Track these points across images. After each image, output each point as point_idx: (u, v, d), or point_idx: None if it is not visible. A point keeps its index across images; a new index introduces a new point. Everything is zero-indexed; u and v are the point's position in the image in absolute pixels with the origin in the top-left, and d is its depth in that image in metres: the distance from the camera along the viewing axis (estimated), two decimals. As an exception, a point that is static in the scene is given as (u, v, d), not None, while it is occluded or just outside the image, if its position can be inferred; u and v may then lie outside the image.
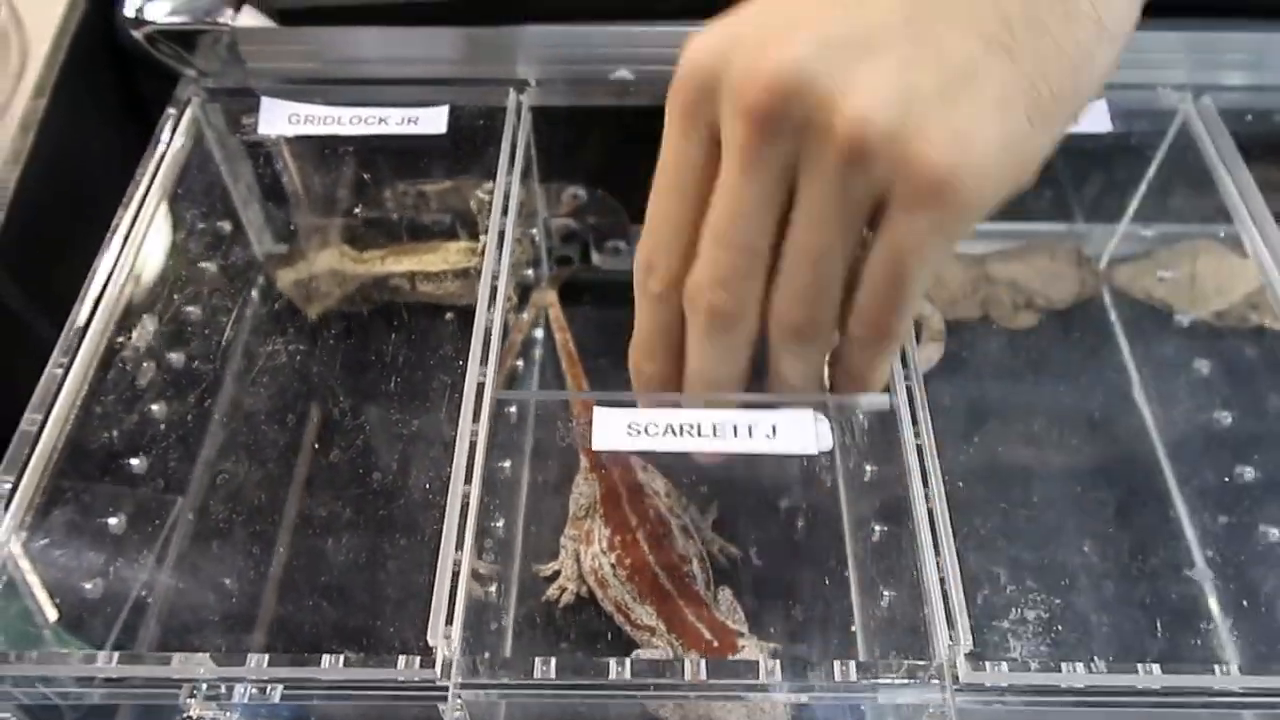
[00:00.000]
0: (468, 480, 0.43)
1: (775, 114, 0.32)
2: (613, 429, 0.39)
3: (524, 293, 0.65)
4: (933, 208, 0.32)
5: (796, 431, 0.38)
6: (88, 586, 0.47)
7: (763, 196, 0.34)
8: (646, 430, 0.39)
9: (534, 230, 0.64)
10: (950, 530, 0.40)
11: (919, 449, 0.44)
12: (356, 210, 0.63)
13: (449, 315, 0.64)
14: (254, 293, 0.62)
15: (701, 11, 0.55)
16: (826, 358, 0.40)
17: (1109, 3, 0.33)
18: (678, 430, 0.39)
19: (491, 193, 0.62)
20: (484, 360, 0.48)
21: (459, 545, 0.41)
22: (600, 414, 0.39)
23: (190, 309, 0.57)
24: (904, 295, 0.35)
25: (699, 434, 0.39)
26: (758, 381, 0.40)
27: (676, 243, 0.36)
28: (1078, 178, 0.65)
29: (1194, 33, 0.57)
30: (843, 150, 0.32)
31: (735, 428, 0.39)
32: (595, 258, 0.68)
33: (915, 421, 0.45)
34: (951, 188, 0.31)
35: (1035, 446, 0.58)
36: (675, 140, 0.35)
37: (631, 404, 0.40)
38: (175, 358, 0.55)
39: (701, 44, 0.34)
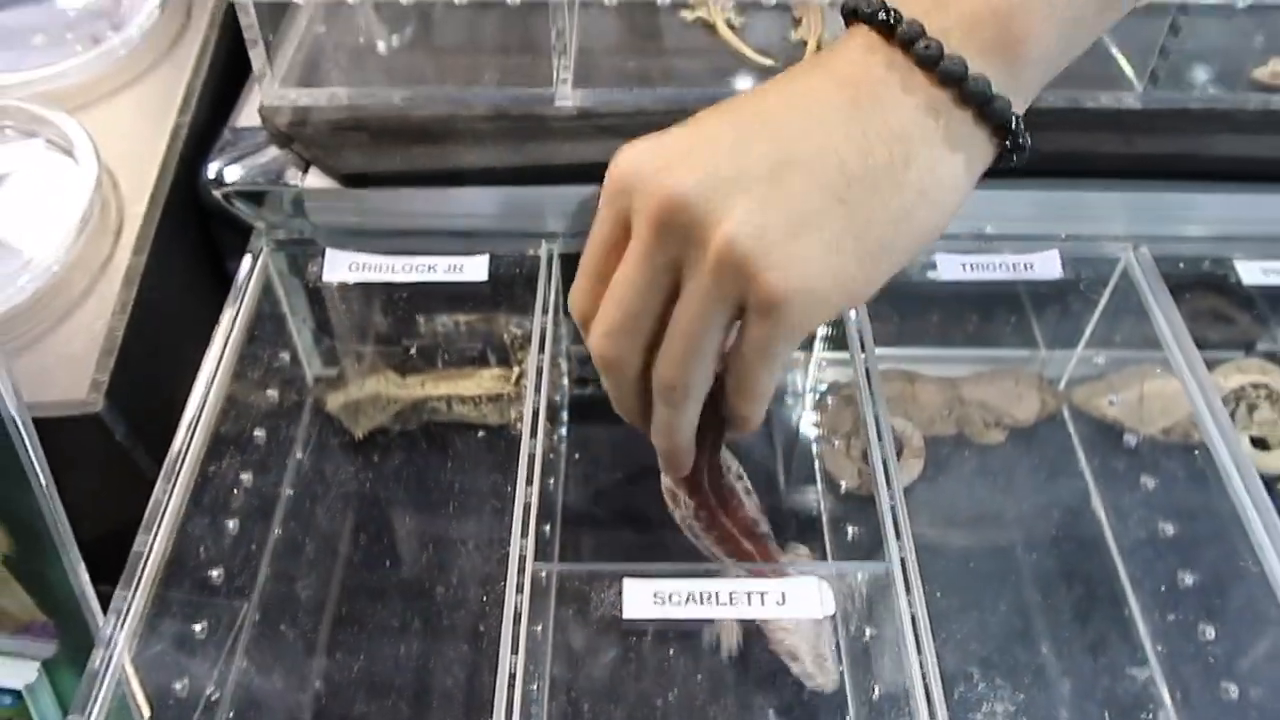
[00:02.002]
0: (519, 590, 0.50)
1: (665, 224, 0.41)
2: (641, 598, 0.46)
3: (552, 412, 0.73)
4: (771, 319, 0.41)
5: (804, 597, 0.46)
6: (177, 686, 0.53)
7: (650, 278, 0.43)
8: (670, 599, 0.46)
9: (561, 359, 0.72)
10: (930, 635, 0.47)
11: (902, 562, 0.51)
12: (404, 342, 0.71)
13: (481, 434, 0.72)
14: (314, 418, 0.70)
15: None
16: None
17: (935, 177, 0.41)
18: (699, 599, 0.46)
19: (521, 327, 0.70)
20: (530, 480, 0.55)
21: (514, 649, 0.47)
22: (629, 585, 0.46)
23: (259, 433, 0.64)
24: (753, 381, 0.44)
25: (717, 602, 0.46)
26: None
27: (588, 292, 0.46)
28: (1038, 313, 0.74)
29: (1132, 194, 0.66)
30: (711, 262, 0.41)
31: (749, 595, 0.46)
32: (611, 380, 0.76)
33: (899, 537, 0.53)
34: (785, 306, 0.40)
35: (1004, 551, 0.66)
36: (601, 219, 0.45)
37: (659, 574, 0.48)
38: (248, 478, 0.62)
39: (625, 155, 0.44)
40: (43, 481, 0.44)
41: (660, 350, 0.44)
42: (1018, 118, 0.42)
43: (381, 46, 0.69)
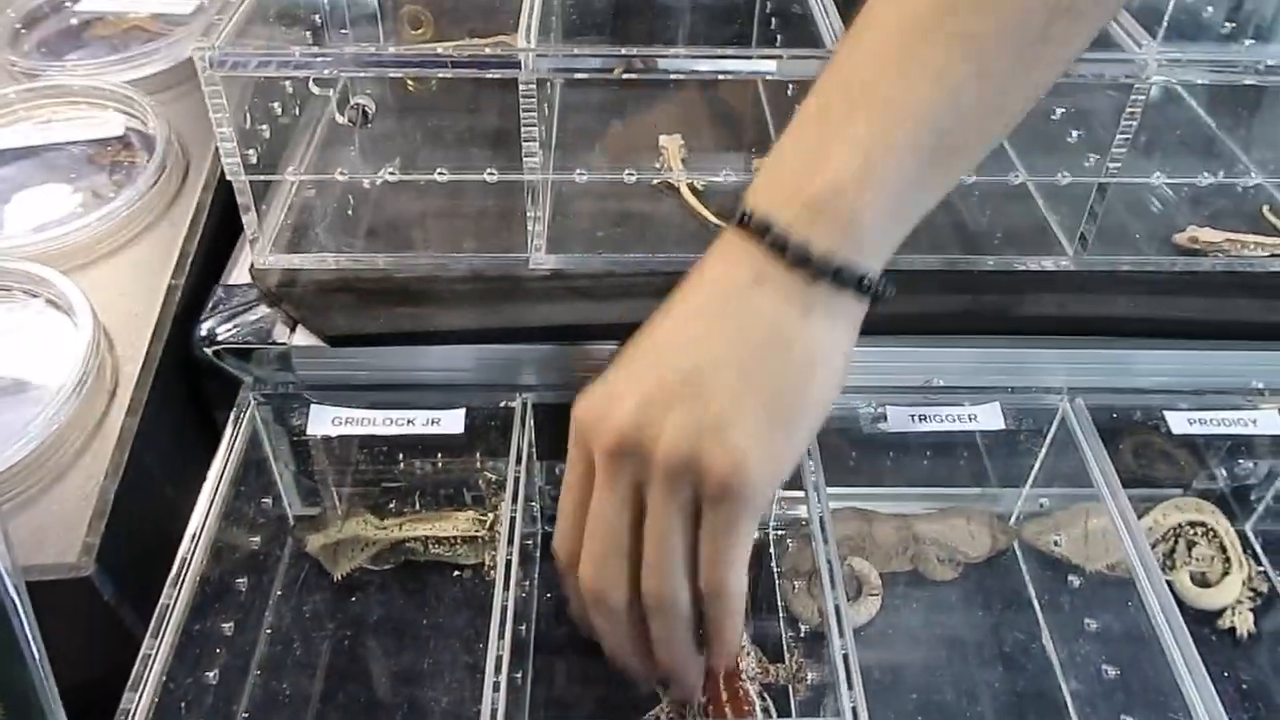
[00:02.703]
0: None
1: (616, 454, 0.48)
2: None
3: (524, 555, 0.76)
4: (724, 501, 0.47)
5: None
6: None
7: (618, 506, 0.49)
8: None
9: (533, 502, 0.75)
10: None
11: (854, 712, 0.54)
12: (383, 486, 0.74)
13: (456, 573, 0.75)
14: (295, 559, 0.72)
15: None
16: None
17: (817, 344, 0.48)
18: None
19: (496, 471, 0.74)
20: (502, 634, 0.58)
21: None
22: None
23: (242, 580, 0.67)
24: (725, 567, 0.48)
25: None
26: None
27: (569, 535, 0.52)
28: (989, 457, 0.78)
29: (1068, 350, 0.71)
30: (661, 471, 0.47)
31: None
32: (582, 518, 0.79)
33: (850, 687, 0.56)
34: (731, 484, 0.46)
35: (959, 690, 0.69)
36: (570, 466, 0.51)
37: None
38: (230, 626, 0.65)
39: (580, 405, 0.50)
40: (37, 656, 0.46)
41: (643, 566, 0.49)
42: (866, 276, 0.47)
43: (367, 212, 0.74)
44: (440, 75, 0.64)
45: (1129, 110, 0.65)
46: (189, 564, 0.60)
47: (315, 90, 0.69)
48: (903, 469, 0.78)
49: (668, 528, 0.48)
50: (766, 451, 0.47)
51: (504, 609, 0.59)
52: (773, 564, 0.77)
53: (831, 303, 0.47)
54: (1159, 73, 0.63)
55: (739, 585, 0.49)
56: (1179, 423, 0.71)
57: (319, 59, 0.65)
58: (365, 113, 0.71)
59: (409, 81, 0.91)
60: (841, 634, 0.59)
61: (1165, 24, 0.93)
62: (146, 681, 0.54)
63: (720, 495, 0.46)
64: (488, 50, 0.65)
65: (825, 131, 0.47)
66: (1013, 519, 0.79)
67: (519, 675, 0.64)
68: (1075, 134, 0.71)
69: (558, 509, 0.53)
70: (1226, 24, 0.89)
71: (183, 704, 0.58)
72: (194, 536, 0.61)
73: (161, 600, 0.58)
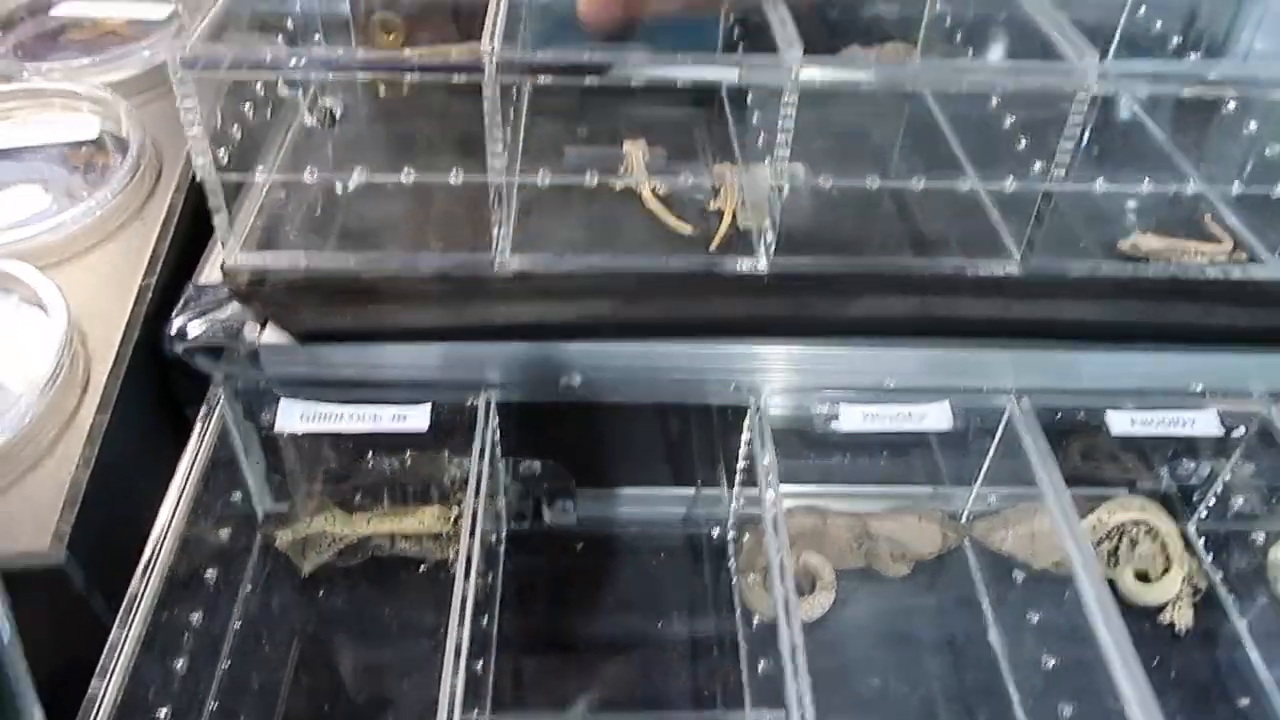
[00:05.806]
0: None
1: None
2: None
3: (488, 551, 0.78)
4: None
5: None
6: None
7: None
8: None
9: (496, 498, 0.77)
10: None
11: (800, 699, 0.57)
12: (351, 482, 0.76)
13: (422, 568, 0.76)
14: (264, 555, 0.74)
15: (628, 334, 0.72)
16: None
17: None
18: None
19: (461, 467, 0.75)
20: (461, 622, 0.60)
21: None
22: None
23: (211, 573, 0.68)
24: None
25: None
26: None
27: None
28: (943, 455, 0.80)
29: (1016, 352, 0.73)
30: None
31: None
32: (546, 515, 0.81)
33: (797, 676, 0.58)
34: None
35: (908, 682, 0.71)
36: None
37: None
38: (198, 617, 0.66)
39: None
40: (5, 639, 0.48)
41: None
42: None
43: (336, 214, 0.75)
44: (408, 78, 0.66)
45: (1072, 119, 0.67)
46: (158, 554, 0.62)
47: (285, 92, 0.70)
48: (857, 468, 0.81)
49: None
50: None
51: (464, 599, 0.61)
52: (729, 561, 0.79)
53: None
54: (1098, 83, 0.66)
55: None
56: (1121, 423, 0.73)
57: (289, 60, 0.66)
58: (333, 114, 0.72)
59: (381, 89, 0.93)
60: (790, 626, 0.61)
61: (1116, 41, 0.96)
62: (114, 669, 0.56)
63: None
64: (454, 54, 0.67)
65: None
66: (963, 517, 0.81)
67: (479, 665, 0.66)
68: (1024, 142, 0.74)
69: None
70: (1175, 38, 0.92)
71: (150, 692, 0.60)
72: (164, 528, 0.63)
73: (131, 589, 0.59)
